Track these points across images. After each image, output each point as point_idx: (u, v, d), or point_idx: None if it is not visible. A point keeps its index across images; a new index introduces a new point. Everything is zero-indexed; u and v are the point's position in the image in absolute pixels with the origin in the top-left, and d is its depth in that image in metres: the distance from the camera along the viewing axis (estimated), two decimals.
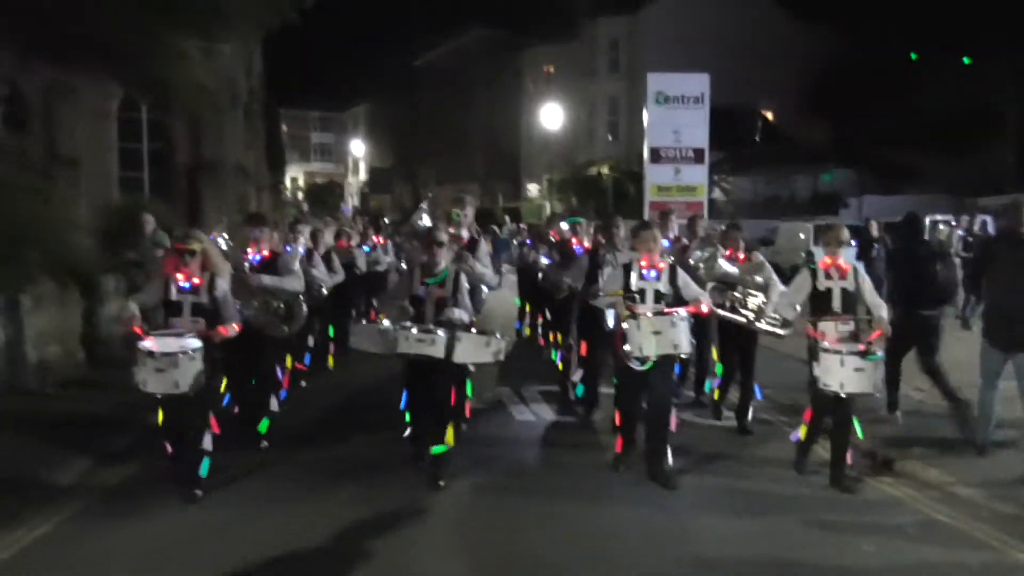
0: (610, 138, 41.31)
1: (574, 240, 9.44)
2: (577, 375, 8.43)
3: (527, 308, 12.72)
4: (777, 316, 7.46)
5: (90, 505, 5.93)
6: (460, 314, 6.34)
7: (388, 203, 59.24)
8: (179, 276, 5.97)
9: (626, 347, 6.34)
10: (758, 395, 7.98)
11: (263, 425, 7.17)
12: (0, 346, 8.39)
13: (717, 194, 30.23)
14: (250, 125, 26.03)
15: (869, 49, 35.89)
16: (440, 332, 6.12)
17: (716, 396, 8.28)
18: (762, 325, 7.64)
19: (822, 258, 6.63)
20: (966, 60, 34.05)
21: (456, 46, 50.41)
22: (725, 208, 31.18)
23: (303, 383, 9.30)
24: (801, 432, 6.64)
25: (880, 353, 6.34)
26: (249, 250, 7.36)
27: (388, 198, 60.97)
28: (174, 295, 5.97)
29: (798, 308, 6.87)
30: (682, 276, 6.70)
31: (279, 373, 7.84)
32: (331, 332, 10.43)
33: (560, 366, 9.34)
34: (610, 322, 6.89)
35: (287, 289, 7.41)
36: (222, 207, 21.79)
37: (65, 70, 11.03)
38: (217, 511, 5.69)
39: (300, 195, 64.52)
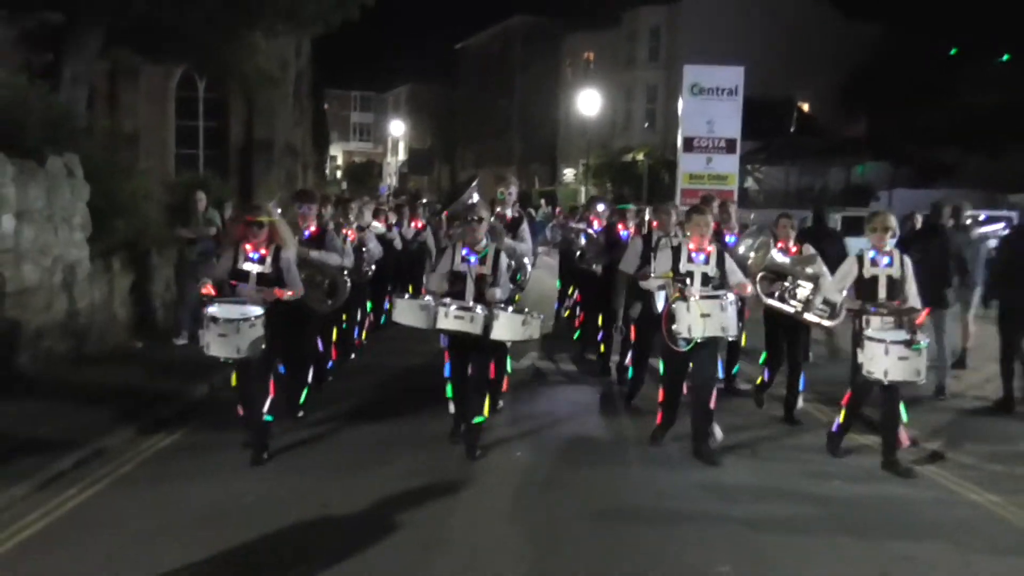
0: (647, 125, 41.85)
1: (620, 225, 9.64)
2: (626, 358, 8.57)
3: (568, 291, 12.65)
4: (825, 307, 7.47)
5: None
6: (499, 292, 6.48)
7: (426, 184, 60.30)
8: (247, 247, 6.23)
9: (674, 327, 6.40)
10: (801, 386, 7.89)
11: (302, 397, 7.40)
12: (96, 303, 9.44)
13: (750, 183, 30.77)
14: (298, 104, 27.07)
15: (907, 44, 36.03)
16: (479, 309, 6.29)
17: (759, 382, 8.22)
18: (810, 316, 7.59)
19: (869, 246, 6.66)
20: (1005, 57, 34.21)
21: (497, 31, 51.14)
22: (756, 197, 31.70)
23: (353, 356, 9.73)
24: (840, 416, 6.73)
25: (924, 342, 6.31)
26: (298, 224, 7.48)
27: (426, 179, 62.05)
28: (242, 264, 6.24)
29: (844, 294, 6.81)
30: (729, 261, 6.79)
31: (320, 346, 8.06)
32: (368, 307, 10.74)
33: (600, 347, 9.62)
34: (659, 304, 6.90)
35: (332, 264, 7.59)
36: (272, 184, 22.89)
37: (149, 57, 12.00)
38: (258, 480, 5.88)
39: (339, 174, 65.68)
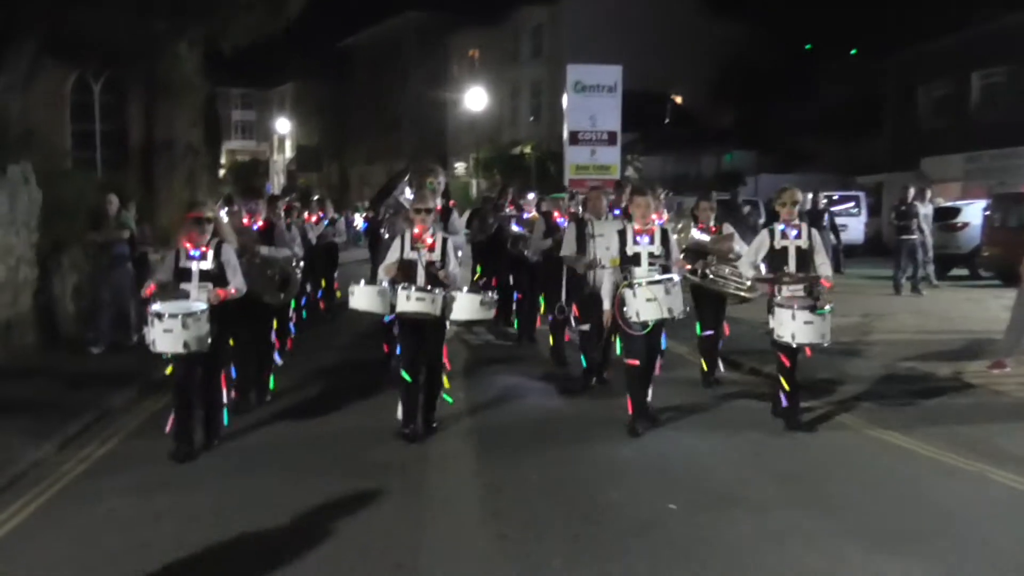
0: (532, 119, 43.60)
1: (556, 213, 10.00)
2: (577, 332, 8.86)
3: (476, 278, 12.71)
4: (744, 281, 8.00)
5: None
6: (453, 276, 6.72)
7: (316, 181, 60.34)
8: (188, 244, 6.29)
9: (625, 311, 6.62)
10: (719, 346, 8.58)
11: (271, 382, 7.86)
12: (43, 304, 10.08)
13: (631, 172, 32.75)
14: (192, 103, 27.32)
15: (769, 41, 39.01)
16: (438, 291, 6.48)
17: (704, 364, 8.60)
18: (731, 289, 8.19)
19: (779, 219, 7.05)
20: (853, 52, 37.47)
21: (385, 27, 51.76)
22: (637, 184, 33.77)
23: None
24: (784, 383, 6.96)
25: (829, 307, 6.70)
26: (245, 220, 7.76)
27: (315, 176, 62.07)
28: (183, 262, 6.29)
29: (760, 266, 7.12)
30: (672, 239, 7.03)
31: (273, 337, 8.13)
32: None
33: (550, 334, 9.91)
34: (606, 286, 6.96)
35: (283, 257, 7.82)
36: (175, 185, 23.24)
37: (78, 65, 12.57)
38: (210, 487, 5.70)
39: (221, 172, 64.73)
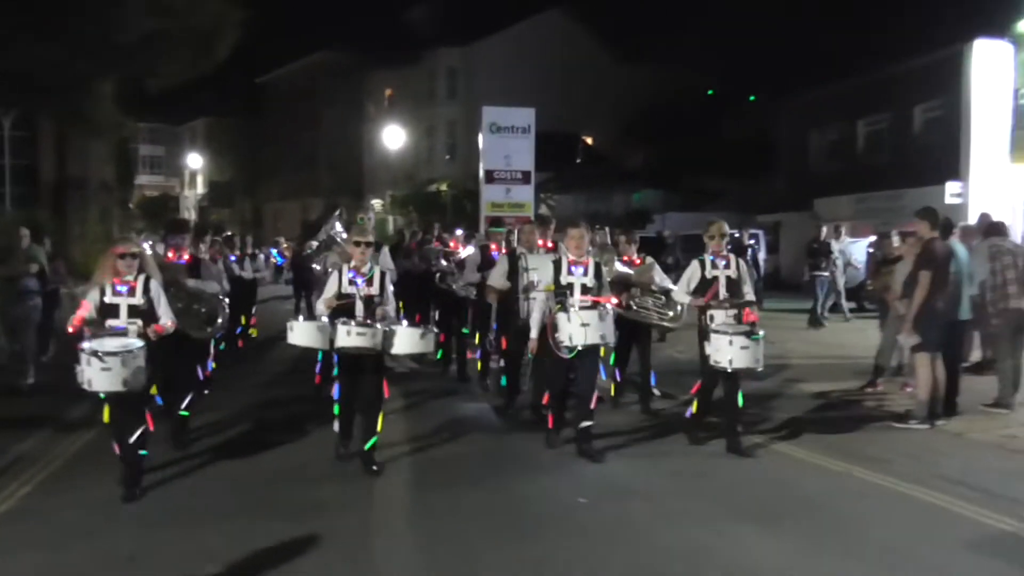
0: (448, 158, 44.40)
1: (492, 246, 9.97)
2: (499, 363, 9.12)
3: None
4: (667, 312, 8.44)
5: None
6: (390, 310, 6.75)
7: (228, 217, 59.67)
8: (115, 280, 6.14)
9: (557, 335, 6.76)
10: (653, 380, 8.84)
11: (185, 414, 7.55)
12: None
13: (544, 209, 33.74)
14: (108, 140, 27.12)
15: (673, 85, 40.89)
16: (378, 326, 6.46)
17: (613, 389, 8.84)
18: (654, 320, 8.58)
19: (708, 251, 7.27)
20: (752, 98, 39.60)
21: (299, 66, 52.01)
22: (549, 224, 34.77)
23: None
24: (693, 407, 7.38)
25: (762, 333, 6.96)
26: (170, 255, 7.70)
27: (228, 212, 61.36)
28: (110, 297, 6.11)
29: (688, 297, 7.42)
30: (604, 272, 7.22)
31: (200, 373, 8.21)
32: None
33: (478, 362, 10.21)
34: (535, 316, 7.14)
35: (210, 292, 7.83)
36: (89, 220, 23.05)
37: (4, 103, 12.63)
38: (137, 533, 5.43)
39: (130, 207, 63.52)
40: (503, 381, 8.84)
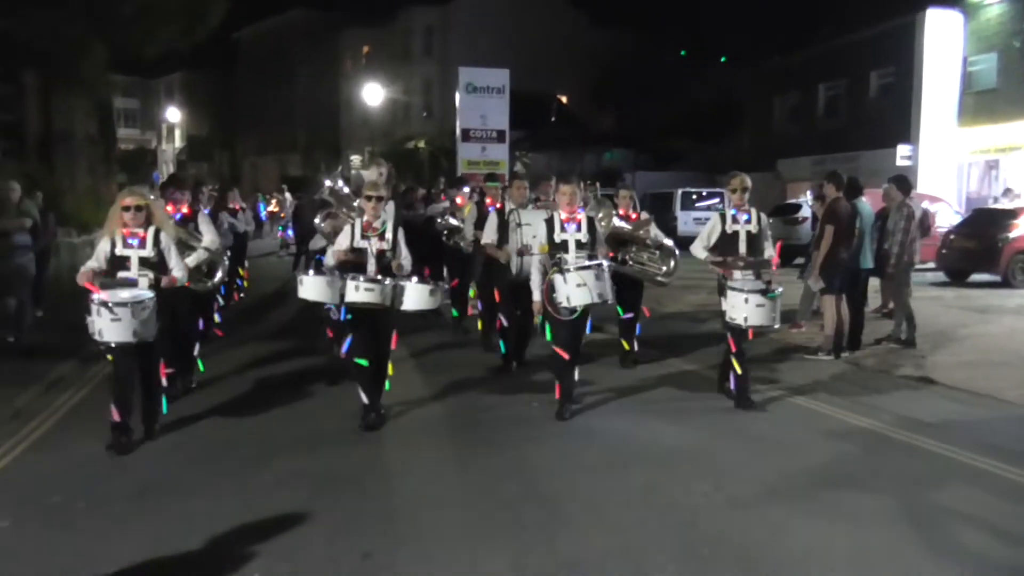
0: (425, 115, 45.21)
1: (488, 200, 9.67)
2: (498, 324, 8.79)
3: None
4: (663, 267, 8.43)
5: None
6: (406, 264, 6.60)
7: (206, 171, 60.07)
8: (124, 232, 6.06)
9: (555, 296, 6.60)
10: (637, 331, 8.81)
11: (200, 364, 7.78)
12: None
13: (519, 167, 34.79)
14: (86, 92, 27.64)
15: (645, 47, 41.86)
16: (387, 281, 6.36)
17: (624, 342, 8.79)
18: (649, 274, 8.50)
19: (730, 204, 7.15)
20: (723, 59, 40.66)
21: (276, 22, 52.28)
22: (524, 179, 35.86)
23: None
24: (736, 366, 7.02)
25: (779, 291, 6.82)
26: (169, 208, 7.45)
27: (206, 166, 61.76)
28: (120, 249, 6.05)
29: (705, 253, 7.22)
30: (597, 227, 7.08)
31: (201, 325, 8.08)
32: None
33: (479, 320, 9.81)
34: (535, 278, 6.94)
35: (203, 245, 7.56)
36: (77, 174, 23.78)
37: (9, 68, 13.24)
38: (148, 494, 5.21)
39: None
40: (502, 347, 8.68)
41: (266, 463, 5.79)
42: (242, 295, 14.25)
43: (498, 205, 9.13)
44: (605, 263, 6.76)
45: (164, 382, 6.60)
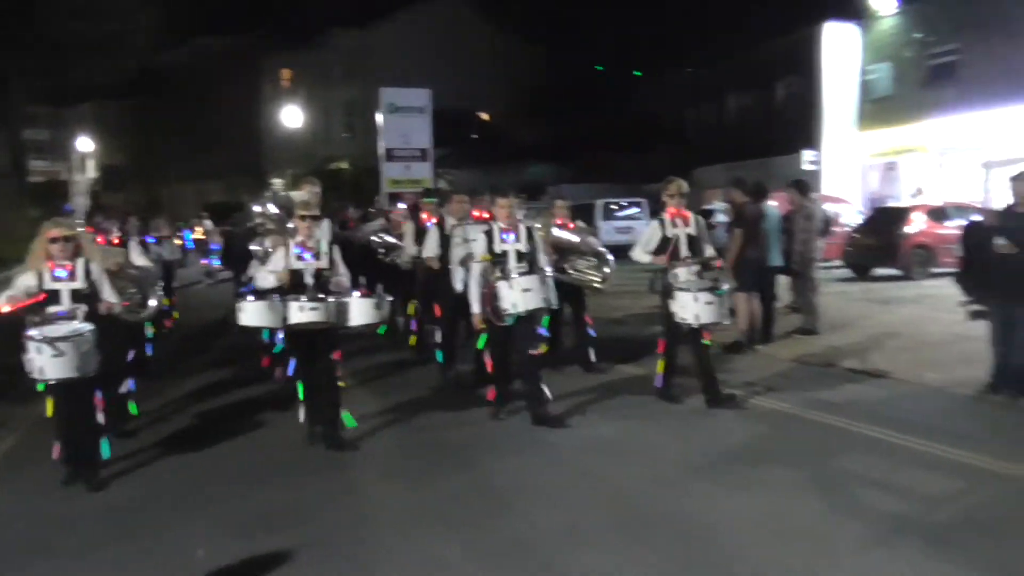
0: (347, 136, 45.35)
1: (425, 215, 9.72)
2: (437, 335, 8.89)
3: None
4: (598, 275, 8.64)
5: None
6: (344, 281, 6.58)
7: (122, 200, 58.86)
8: (51, 265, 5.83)
9: (500, 303, 6.70)
10: (592, 334, 8.97)
11: (133, 408, 7.40)
12: None
13: (442, 184, 35.23)
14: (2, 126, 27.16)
15: (566, 63, 42.90)
16: (330, 299, 6.33)
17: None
18: (587, 281, 8.73)
19: (667, 210, 7.30)
20: (637, 73, 41.91)
21: (193, 48, 51.69)
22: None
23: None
24: (659, 367, 7.38)
25: (725, 287, 7.18)
26: (99, 239, 7.38)
27: (122, 196, 60.46)
28: (49, 283, 5.81)
29: (648, 257, 7.38)
30: (537, 236, 7.17)
31: (130, 356, 7.70)
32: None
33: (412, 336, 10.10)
34: (474, 289, 7.00)
35: (140, 274, 7.53)
36: None
37: None
38: (89, 543, 4.90)
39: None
40: (439, 356, 8.78)
41: (220, 498, 5.57)
42: (165, 327, 13.28)
43: (435, 220, 9.17)
44: (549, 269, 6.96)
45: (101, 419, 6.16)
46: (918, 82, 24.89)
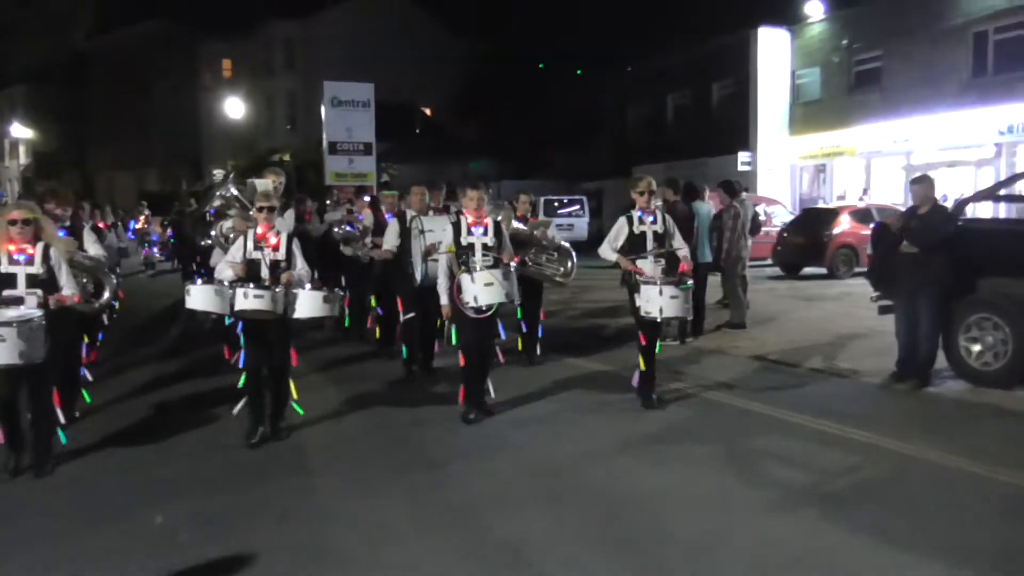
0: (289, 128, 45.10)
1: (384, 209, 9.95)
2: (405, 319, 8.73)
3: None
4: (559, 267, 8.90)
5: None
6: (300, 275, 6.45)
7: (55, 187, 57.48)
8: (10, 247, 5.76)
9: (462, 296, 6.69)
10: (540, 333, 9.32)
11: (86, 395, 7.35)
12: None
13: (385, 178, 35.37)
14: None
15: (508, 59, 43.32)
16: (277, 289, 6.22)
17: (520, 343, 9.17)
18: (547, 275, 8.94)
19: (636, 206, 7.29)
20: (579, 72, 42.54)
21: (128, 33, 50.78)
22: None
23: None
24: (640, 362, 7.30)
25: (690, 282, 7.16)
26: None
27: (55, 183, 59.14)
28: (5, 267, 5.73)
29: (615, 255, 7.36)
30: (503, 231, 7.19)
31: (84, 351, 7.63)
32: None
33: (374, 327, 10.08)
34: (441, 280, 7.00)
35: (93, 262, 7.22)
36: None
37: None
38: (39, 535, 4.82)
39: None
40: (404, 352, 8.75)
41: (169, 496, 5.39)
42: (115, 315, 13.81)
43: (395, 212, 9.30)
44: (513, 264, 6.98)
45: (59, 414, 6.17)
46: (845, 87, 25.91)
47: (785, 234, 19.16)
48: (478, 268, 6.72)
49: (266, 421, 6.53)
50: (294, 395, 6.76)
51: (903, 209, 10.42)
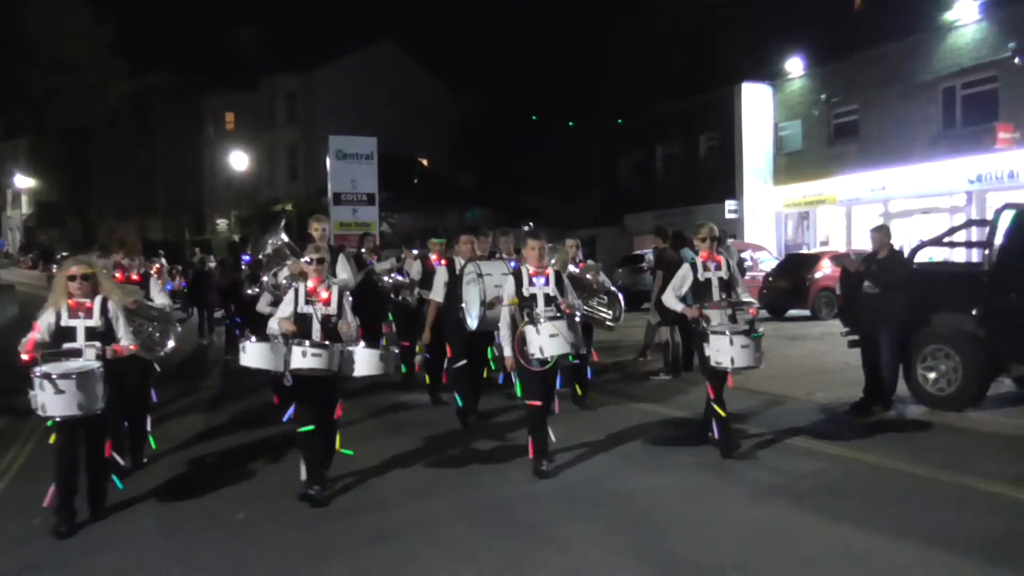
0: (291, 179, 46.44)
1: (434, 257, 10.07)
2: (455, 367, 8.73)
3: None
4: (608, 313, 9.10)
5: None
6: (352, 330, 6.38)
7: (57, 238, 58.57)
8: (71, 303, 5.92)
9: (527, 348, 6.57)
10: (589, 375, 9.56)
11: (151, 443, 7.56)
12: None
13: (385, 227, 36.53)
14: None
15: (502, 112, 44.87)
16: (335, 346, 6.18)
17: (579, 389, 9.38)
18: (597, 318, 9.13)
19: (699, 254, 7.37)
20: (571, 124, 44.08)
21: (133, 85, 52.23)
22: (391, 239, 37.67)
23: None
24: (718, 411, 7.15)
25: (761, 330, 7.06)
26: (117, 274, 7.20)
27: (57, 233, 60.14)
28: (65, 320, 5.90)
29: (680, 305, 7.35)
30: (566, 280, 7.04)
31: (154, 395, 7.75)
32: None
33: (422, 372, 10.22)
34: (504, 331, 6.89)
35: (159, 311, 7.33)
36: None
37: None
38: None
39: None
40: (459, 400, 8.67)
41: (221, 544, 5.52)
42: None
43: (443, 261, 9.41)
44: (578, 314, 6.88)
45: (117, 458, 6.41)
46: (825, 139, 27.30)
47: (770, 278, 20.29)
48: (542, 319, 6.57)
49: (323, 472, 6.45)
50: (337, 446, 6.63)
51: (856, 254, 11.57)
